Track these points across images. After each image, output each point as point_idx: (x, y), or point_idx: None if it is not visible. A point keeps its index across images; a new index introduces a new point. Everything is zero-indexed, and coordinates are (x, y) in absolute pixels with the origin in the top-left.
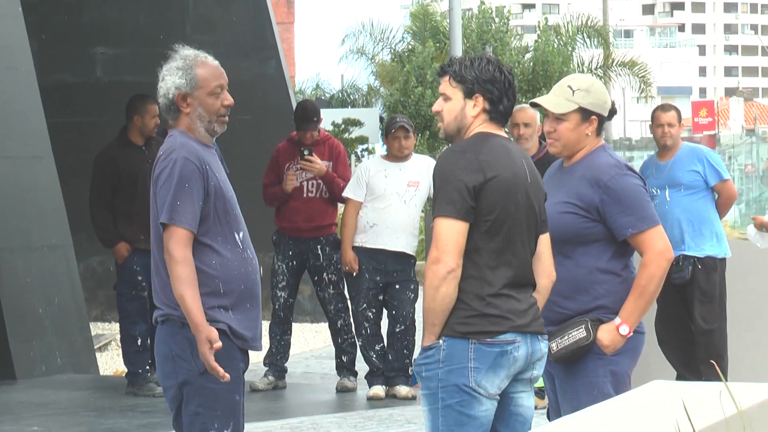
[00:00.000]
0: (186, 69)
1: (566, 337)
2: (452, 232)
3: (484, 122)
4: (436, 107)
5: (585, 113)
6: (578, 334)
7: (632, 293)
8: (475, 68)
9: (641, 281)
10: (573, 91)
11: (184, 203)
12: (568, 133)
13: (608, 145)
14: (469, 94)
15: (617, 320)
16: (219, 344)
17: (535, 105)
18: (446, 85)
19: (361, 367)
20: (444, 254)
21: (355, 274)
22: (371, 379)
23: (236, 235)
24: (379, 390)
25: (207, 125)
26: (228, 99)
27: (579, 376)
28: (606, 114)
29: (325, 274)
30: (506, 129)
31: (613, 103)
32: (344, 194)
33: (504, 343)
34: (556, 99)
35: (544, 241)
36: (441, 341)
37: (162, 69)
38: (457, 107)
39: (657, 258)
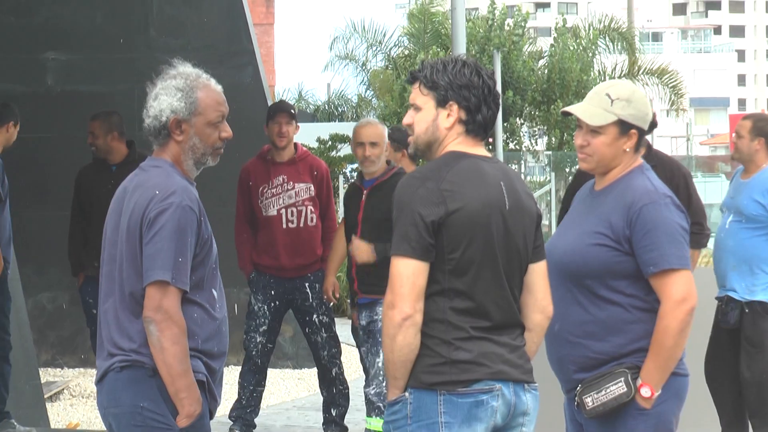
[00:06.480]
0: (187, 91)
1: (603, 392)
2: (408, 273)
3: (460, 136)
4: (406, 119)
5: (624, 126)
6: (617, 389)
7: (650, 350)
8: (448, 72)
9: (657, 336)
10: (612, 101)
11: (185, 261)
12: (604, 149)
13: (647, 166)
14: (442, 103)
15: (638, 381)
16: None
17: (567, 114)
18: (417, 93)
19: (350, 419)
20: (399, 298)
21: (332, 304)
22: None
23: (213, 292)
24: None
25: (198, 158)
26: (227, 131)
27: None
28: (647, 127)
29: (315, 316)
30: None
31: (654, 115)
32: (339, 215)
33: (479, 392)
34: (592, 109)
35: (537, 270)
36: (407, 394)
37: (155, 85)
38: (428, 118)
39: (673, 309)
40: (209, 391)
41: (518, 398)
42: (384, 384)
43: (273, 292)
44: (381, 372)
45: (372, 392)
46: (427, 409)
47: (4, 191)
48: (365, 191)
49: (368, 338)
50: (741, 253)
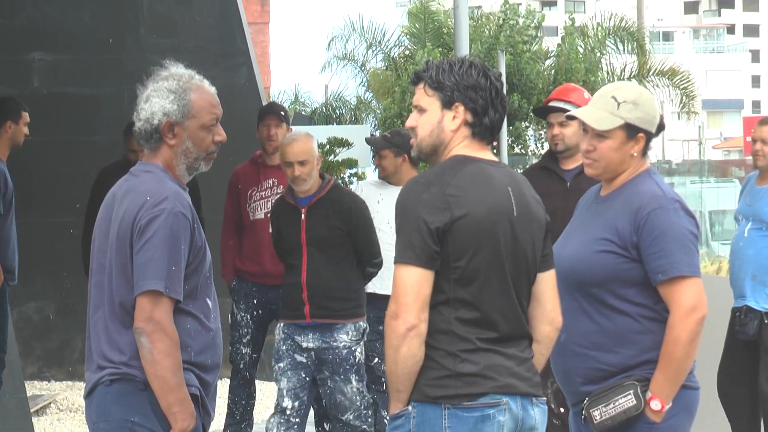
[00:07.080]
0: (180, 93)
1: (612, 405)
2: (412, 281)
3: (466, 139)
4: (409, 122)
5: (631, 130)
6: (626, 402)
7: (659, 361)
8: (455, 73)
9: (667, 346)
10: (618, 104)
11: (178, 270)
12: (611, 153)
13: (655, 170)
14: (447, 104)
15: (648, 393)
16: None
17: (572, 118)
18: (421, 95)
19: None
20: (403, 308)
21: None
22: None
23: (207, 301)
24: None
25: (191, 162)
26: (220, 134)
27: None
28: (654, 130)
29: None
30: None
31: (661, 118)
32: None
33: (485, 406)
34: (597, 112)
35: (546, 280)
36: (410, 407)
37: (146, 87)
38: (433, 120)
39: (683, 318)
40: (202, 406)
41: (526, 412)
42: (362, 407)
43: (255, 301)
44: (357, 398)
45: (351, 416)
46: (431, 424)
47: (6, 201)
48: (303, 209)
49: (324, 365)
50: (762, 262)
